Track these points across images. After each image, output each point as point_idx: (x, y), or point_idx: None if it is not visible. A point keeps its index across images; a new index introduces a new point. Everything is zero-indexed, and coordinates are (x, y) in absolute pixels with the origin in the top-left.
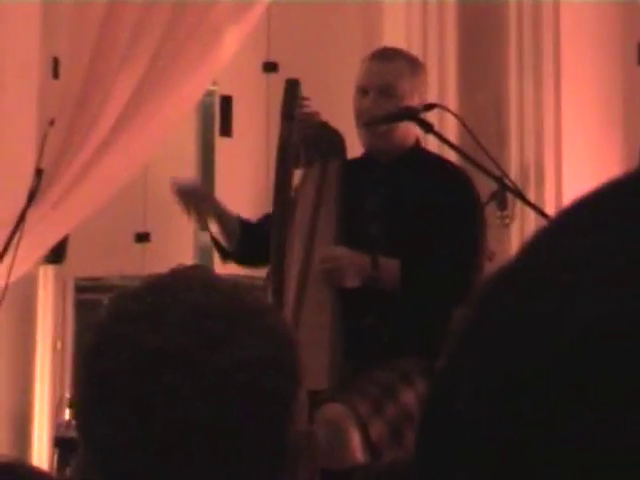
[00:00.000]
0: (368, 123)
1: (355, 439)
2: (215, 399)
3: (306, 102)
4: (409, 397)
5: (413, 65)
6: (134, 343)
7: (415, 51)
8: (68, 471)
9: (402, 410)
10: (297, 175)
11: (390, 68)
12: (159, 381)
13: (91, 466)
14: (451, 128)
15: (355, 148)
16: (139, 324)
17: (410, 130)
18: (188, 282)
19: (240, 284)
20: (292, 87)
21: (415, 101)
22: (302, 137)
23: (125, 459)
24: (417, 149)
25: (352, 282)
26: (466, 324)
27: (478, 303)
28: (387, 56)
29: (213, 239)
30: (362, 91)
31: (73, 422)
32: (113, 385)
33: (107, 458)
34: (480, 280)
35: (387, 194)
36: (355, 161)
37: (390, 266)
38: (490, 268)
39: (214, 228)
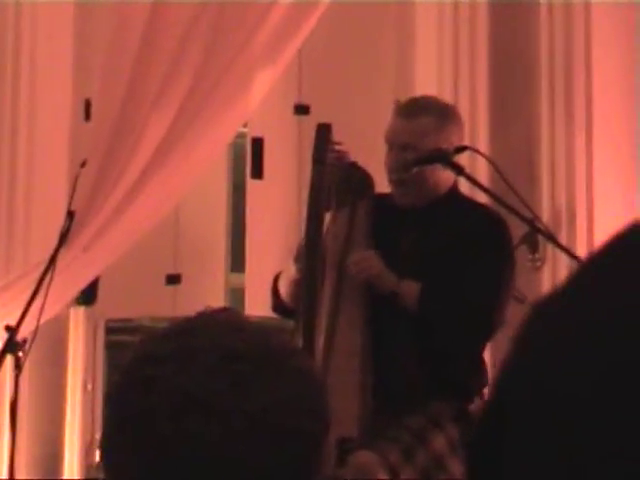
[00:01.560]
0: (397, 179)
1: None
2: (242, 443)
3: (337, 146)
4: (440, 442)
5: (440, 118)
6: (161, 385)
7: (446, 95)
8: None
9: (432, 456)
10: (328, 216)
11: (413, 126)
12: (186, 424)
13: None
14: (482, 170)
15: (385, 188)
16: (166, 366)
17: (444, 176)
18: (216, 325)
19: (268, 327)
20: (323, 132)
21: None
22: (332, 179)
23: None
24: (453, 194)
25: (379, 283)
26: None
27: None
28: (412, 112)
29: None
30: (388, 146)
31: None
32: (139, 427)
33: None
34: (500, 321)
35: (419, 237)
36: (386, 199)
37: (412, 286)
38: (521, 310)
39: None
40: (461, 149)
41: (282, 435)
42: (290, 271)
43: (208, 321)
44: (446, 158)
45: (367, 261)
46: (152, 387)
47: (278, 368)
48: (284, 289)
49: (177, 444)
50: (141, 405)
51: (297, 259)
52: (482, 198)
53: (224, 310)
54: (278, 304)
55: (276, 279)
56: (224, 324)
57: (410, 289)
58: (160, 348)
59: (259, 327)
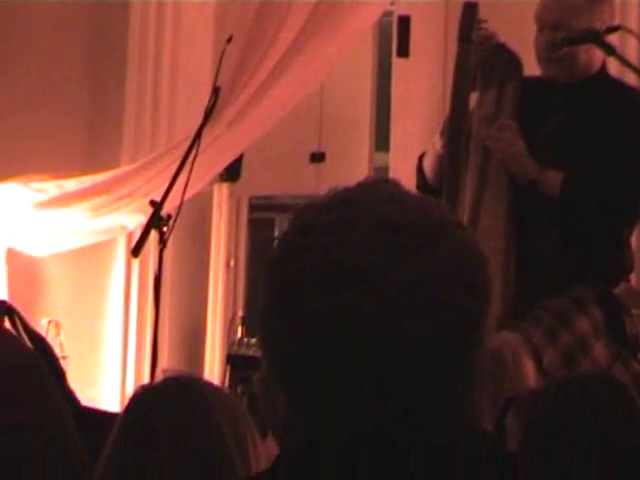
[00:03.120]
0: (548, 58)
1: (529, 367)
2: (395, 313)
3: (483, 25)
4: (583, 325)
5: None
6: (317, 256)
7: None
8: (239, 388)
9: (576, 338)
10: (474, 98)
11: (565, 4)
12: (339, 295)
13: (273, 381)
14: (633, 52)
15: (534, 71)
16: (323, 237)
17: (594, 55)
18: (376, 195)
19: (430, 199)
20: (469, 10)
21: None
22: (479, 59)
23: (304, 374)
24: (602, 75)
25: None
26: None
27: None
28: None
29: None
30: (538, 24)
31: (245, 339)
32: (293, 297)
33: (286, 372)
34: None
35: (566, 117)
36: (536, 81)
37: (554, 176)
38: None
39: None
40: (613, 29)
41: (436, 307)
42: (436, 146)
43: (368, 192)
44: (598, 38)
45: (509, 133)
46: (308, 258)
47: (438, 240)
48: (429, 165)
49: (329, 314)
50: (297, 276)
51: (443, 133)
52: (631, 79)
53: (385, 181)
54: (423, 182)
55: (421, 158)
56: (385, 195)
57: (552, 177)
58: (317, 219)
59: (421, 199)
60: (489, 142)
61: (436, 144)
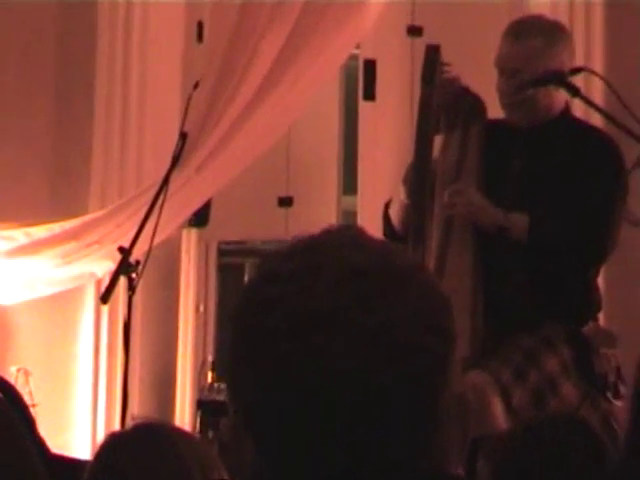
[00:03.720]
0: (510, 102)
1: (497, 406)
2: (364, 357)
3: (447, 68)
4: (552, 364)
5: (549, 38)
6: (284, 304)
7: (561, 14)
8: (210, 433)
9: (545, 377)
10: (438, 140)
11: (522, 49)
12: (308, 340)
13: (241, 427)
14: (597, 92)
15: (497, 113)
16: (289, 285)
17: (556, 98)
18: (340, 242)
19: (391, 244)
20: (432, 52)
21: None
22: (442, 102)
23: (271, 420)
24: (565, 117)
25: (483, 221)
26: None
27: None
28: (521, 34)
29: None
30: (499, 71)
31: (215, 385)
32: (261, 345)
33: (254, 418)
34: (613, 244)
35: (528, 161)
36: (499, 123)
37: (520, 218)
38: (634, 233)
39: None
40: (577, 70)
41: (404, 351)
42: (400, 195)
43: (332, 238)
44: (562, 79)
45: (463, 196)
46: (275, 306)
47: (403, 284)
48: (395, 214)
49: (298, 359)
50: (264, 324)
51: (405, 181)
52: (596, 121)
53: (347, 228)
54: (390, 230)
55: (387, 205)
56: (348, 241)
57: (518, 221)
58: (283, 266)
59: (384, 244)
60: (447, 211)
61: (400, 193)
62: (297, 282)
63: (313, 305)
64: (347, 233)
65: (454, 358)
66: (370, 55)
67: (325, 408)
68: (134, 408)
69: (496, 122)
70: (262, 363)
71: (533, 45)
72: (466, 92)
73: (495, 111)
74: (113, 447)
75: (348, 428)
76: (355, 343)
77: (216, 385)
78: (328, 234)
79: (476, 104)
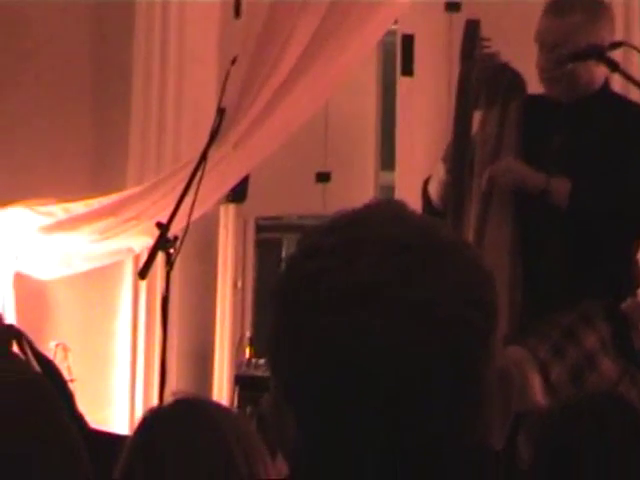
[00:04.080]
0: (550, 77)
1: (536, 382)
2: (408, 333)
3: (486, 43)
4: (591, 340)
5: (590, 13)
6: (325, 279)
7: None
8: (248, 409)
9: (583, 353)
10: (477, 116)
11: (562, 25)
12: (350, 315)
13: (282, 403)
14: (637, 68)
15: (537, 89)
16: (331, 260)
17: (596, 73)
18: (382, 216)
19: (435, 219)
20: (472, 27)
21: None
22: (482, 78)
23: (312, 395)
24: (605, 92)
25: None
26: None
27: None
28: (560, 10)
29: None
30: (538, 46)
31: (253, 360)
32: (304, 320)
33: (295, 393)
34: None
35: (570, 136)
36: (538, 98)
37: (562, 183)
38: None
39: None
40: (616, 45)
41: (446, 325)
42: (439, 172)
43: (374, 213)
44: (601, 54)
45: (508, 172)
46: (316, 280)
47: (446, 259)
48: (434, 191)
49: (339, 334)
50: (305, 299)
51: (445, 158)
52: (635, 95)
53: (390, 202)
54: (429, 207)
55: (426, 182)
56: (390, 216)
57: (561, 185)
58: (324, 241)
59: (427, 219)
60: (488, 183)
61: (440, 170)
62: (338, 257)
63: (354, 280)
64: (388, 208)
65: (497, 333)
66: (408, 30)
67: (366, 383)
68: (172, 383)
69: (536, 97)
70: (303, 338)
71: (573, 21)
72: (505, 67)
73: (535, 87)
74: (153, 423)
75: (390, 403)
76: (396, 318)
77: (254, 361)
78: (369, 209)
79: (515, 80)
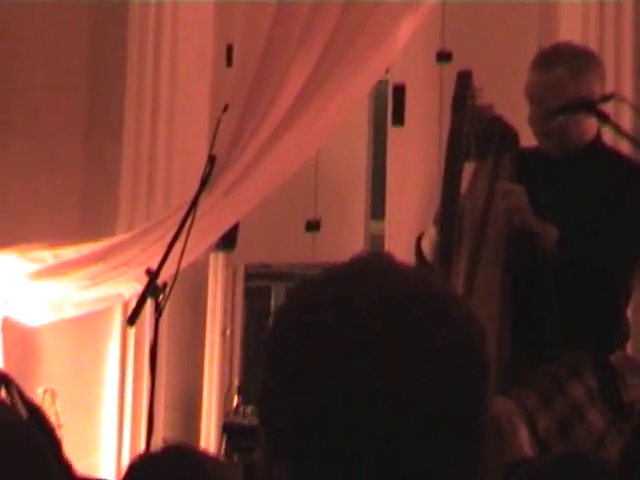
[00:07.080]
0: (540, 131)
1: (523, 433)
2: (407, 387)
3: (479, 94)
4: (578, 391)
5: (576, 66)
6: (319, 332)
7: (591, 40)
8: (235, 457)
9: (571, 404)
10: (468, 168)
11: (547, 79)
12: (347, 369)
13: (273, 458)
14: (627, 120)
15: (530, 142)
16: (325, 313)
17: (586, 126)
18: (374, 270)
19: (426, 270)
20: (464, 78)
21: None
22: (474, 129)
23: (305, 449)
24: (596, 144)
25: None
26: None
27: None
28: (546, 64)
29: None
30: (528, 100)
31: (241, 409)
32: (298, 373)
33: (288, 448)
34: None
35: (561, 190)
36: (531, 152)
37: (553, 229)
38: None
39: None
40: (607, 97)
41: (448, 381)
42: (431, 233)
43: (366, 267)
44: (590, 106)
45: (516, 194)
46: (311, 334)
47: (439, 313)
48: (427, 249)
49: (333, 388)
50: (298, 353)
51: (436, 221)
52: (626, 148)
53: (378, 255)
54: (422, 262)
55: (419, 240)
56: (382, 269)
57: (551, 231)
58: (317, 295)
59: (418, 272)
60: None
61: (430, 230)
62: (332, 311)
63: (348, 334)
64: (378, 261)
65: (491, 384)
66: (399, 80)
67: (362, 437)
68: (160, 431)
69: (528, 151)
70: (297, 392)
71: (557, 74)
72: (498, 120)
73: (528, 138)
74: (142, 468)
75: (386, 457)
76: (392, 371)
77: (242, 409)
78: (361, 262)
79: (508, 133)
